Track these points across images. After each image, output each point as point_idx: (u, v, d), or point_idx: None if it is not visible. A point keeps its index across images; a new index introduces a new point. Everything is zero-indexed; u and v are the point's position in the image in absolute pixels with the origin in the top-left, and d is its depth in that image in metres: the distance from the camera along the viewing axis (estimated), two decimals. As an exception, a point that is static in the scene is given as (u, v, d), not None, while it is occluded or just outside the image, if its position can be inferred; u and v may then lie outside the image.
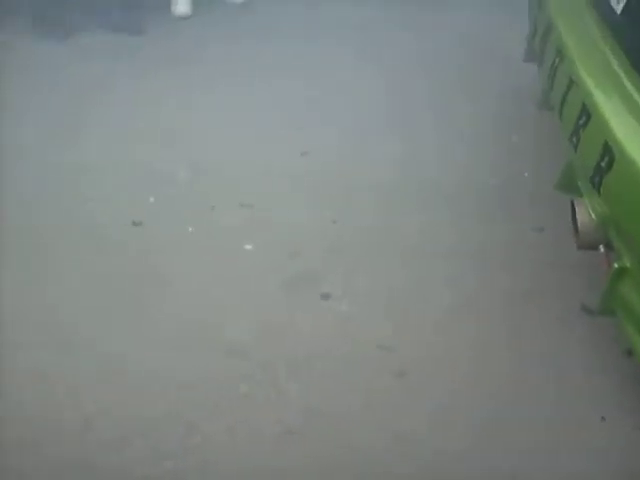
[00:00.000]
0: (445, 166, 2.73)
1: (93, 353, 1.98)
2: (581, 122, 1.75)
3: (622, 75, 1.73)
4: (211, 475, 1.72)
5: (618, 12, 1.80)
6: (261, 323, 2.10)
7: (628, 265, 1.65)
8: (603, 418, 1.83)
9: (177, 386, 1.90)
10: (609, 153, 1.59)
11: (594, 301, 2.05)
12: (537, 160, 2.71)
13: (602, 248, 1.81)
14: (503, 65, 3.28)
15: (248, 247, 2.38)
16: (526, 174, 2.66)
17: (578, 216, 1.79)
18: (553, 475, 1.72)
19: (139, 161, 2.78)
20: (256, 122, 3.03)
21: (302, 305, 2.16)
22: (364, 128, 2.98)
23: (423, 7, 3.92)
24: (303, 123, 3.01)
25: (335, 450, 1.77)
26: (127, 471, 1.71)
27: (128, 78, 3.29)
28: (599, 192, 1.65)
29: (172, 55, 3.51)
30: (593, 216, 1.75)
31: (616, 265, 1.68)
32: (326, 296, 2.19)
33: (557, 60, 1.99)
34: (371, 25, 3.82)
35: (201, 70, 3.40)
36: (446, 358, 1.99)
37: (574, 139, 1.79)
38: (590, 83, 1.76)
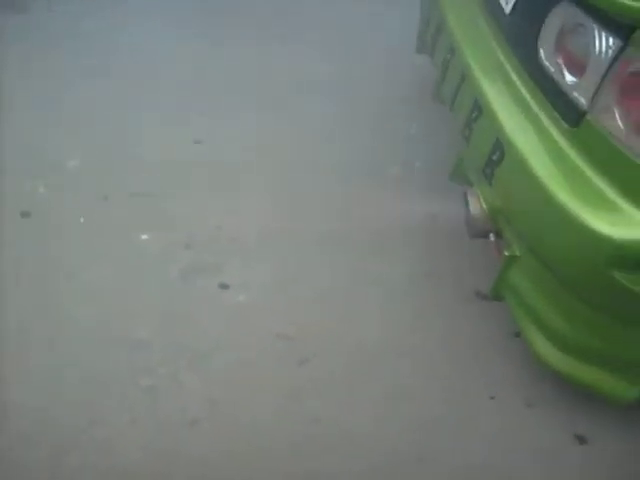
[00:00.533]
0: (346, 158, 2.77)
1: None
2: (473, 116, 1.82)
3: (511, 72, 1.81)
4: (118, 467, 1.70)
5: (507, 12, 1.88)
6: (161, 315, 2.08)
7: (518, 253, 1.74)
8: (492, 397, 1.92)
9: (80, 380, 1.87)
10: (500, 147, 1.66)
11: (486, 286, 2.16)
12: (431, 151, 2.79)
13: (492, 237, 1.90)
14: (401, 56, 3.35)
15: (144, 237, 2.34)
16: (417, 164, 2.73)
17: (470, 206, 1.86)
18: (446, 453, 1.79)
19: (26, 147, 2.67)
20: (148, 108, 2.98)
21: (201, 296, 2.15)
22: (258, 118, 2.98)
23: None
24: (196, 111, 2.98)
25: (240, 437, 1.78)
26: (31, 468, 1.67)
27: (12, 57, 3.15)
28: (490, 184, 1.73)
29: (59, 33, 3.39)
30: (484, 206, 1.82)
31: (506, 253, 1.76)
32: (225, 286, 2.19)
33: (449, 56, 2.05)
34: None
35: (88, 50, 3.30)
36: (348, 342, 2.03)
37: (466, 132, 1.86)
38: (481, 80, 1.83)
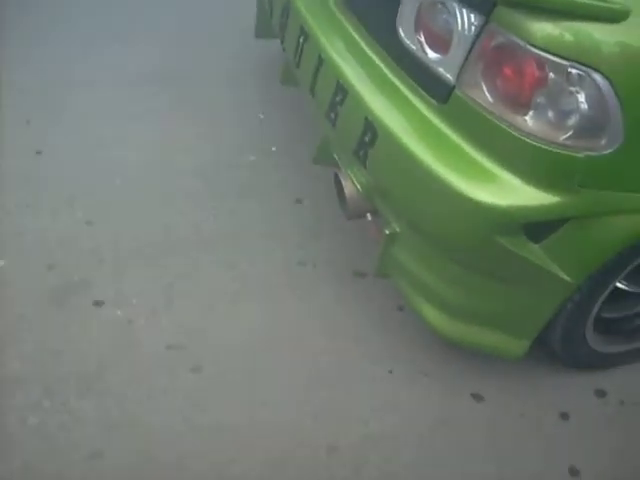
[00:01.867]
0: (199, 150, 2.69)
1: None
2: (337, 99, 1.81)
3: (370, 53, 1.82)
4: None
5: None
6: (37, 345, 1.94)
7: (398, 230, 1.78)
8: (390, 371, 1.96)
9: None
10: (371, 129, 1.68)
11: (363, 265, 2.20)
12: (285, 135, 2.78)
13: (369, 216, 1.92)
14: (238, 42, 3.29)
15: (0, 263, 2.15)
16: (274, 148, 2.71)
17: (345, 188, 1.87)
18: (354, 437, 1.81)
19: None
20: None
21: (76, 318, 2.02)
22: (100, 118, 2.82)
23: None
24: (30, 114, 2.78)
25: (145, 461, 1.71)
26: None
27: None
28: (365, 165, 1.74)
29: None
30: (359, 187, 1.84)
31: (387, 231, 1.79)
32: (99, 303, 2.07)
33: (301, 39, 2.03)
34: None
35: None
36: (239, 343, 2.00)
37: (332, 115, 1.86)
38: (341, 62, 1.83)
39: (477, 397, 1.91)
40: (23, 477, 1.65)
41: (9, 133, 2.67)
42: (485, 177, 1.50)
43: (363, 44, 1.86)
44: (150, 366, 1.92)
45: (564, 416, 1.89)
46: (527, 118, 1.42)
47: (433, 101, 1.61)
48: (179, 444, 1.75)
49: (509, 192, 1.47)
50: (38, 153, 2.60)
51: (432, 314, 1.81)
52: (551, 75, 1.37)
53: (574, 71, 1.35)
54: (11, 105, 2.82)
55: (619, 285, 1.78)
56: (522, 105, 1.43)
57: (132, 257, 2.22)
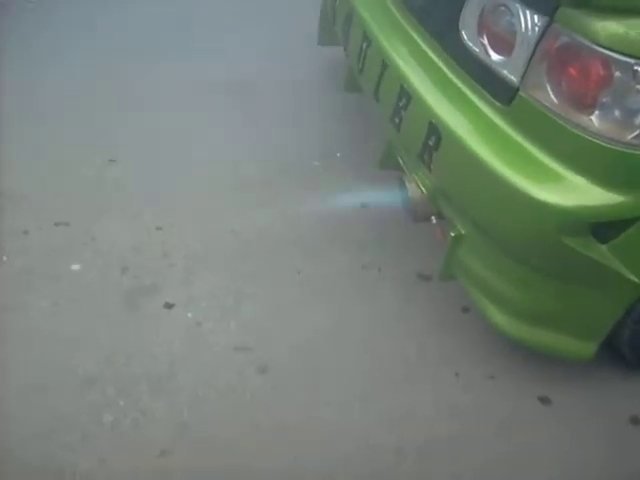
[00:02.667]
0: (265, 156, 2.75)
1: None
2: (401, 104, 1.84)
3: (433, 57, 1.84)
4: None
5: (418, -3, 1.91)
6: (111, 346, 2.00)
7: (463, 232, 1.78)
8: (457, 374, 1.96)
9: (37, 431, 1.78)
10: (435, 132, 1.69)
11: (427, 267, 2.21)
12: (349, 141, 2.81)
13: (434, 219, 1.93)
14: (301, 49, 3.34)
15: (75, 267, 2.25)
16: (338, 154, 2.74)
17: (410, 192, 1.89)
18: (421, 439, 1.81)
19: None
20: (49, 131, 2.85)
21: (148, 319, 2.09)
22: (177, 128, 2.91)
23: None
24: (104, 126, 2.88)
25: (214, 458, 1.75)
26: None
27: None
28: (430, 168, 1.76)
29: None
30: (424, 190, 1.86)
31: (452, 234, 1.80)
32: (170, 306, 2.13)
33: (365, 45, 2.06)
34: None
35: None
36: (304, 345, 2.03)
37: (396, 120, 1.88)
38: (405, 67, 1.85)
39: (544, 400, 1.90)
40: (98, 472, 1.70)
41: (85, 142, 2.78)
42: (551, 177, 1.50)
43: (426, 48, 1.88)
44: (219, 367, 1.96)
45: (634, 420, 1.86)
46: (593, 118, 1.42)
47: (497, 103, 1.61)
48: (245, 443, 1.78)
49: (575, 192, 1.46)
50: (111, 161, 2.69)
51: (498, 316, 1.80)
52: (617, 74, 1.37)
53: (641, 69, 1.34)
54: (87, 116, 2.93)
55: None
56: (587, 105, 1.42)
57: (201, 261, 2.28)
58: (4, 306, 2.09)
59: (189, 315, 2.11)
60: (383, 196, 2.42)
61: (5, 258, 2.26)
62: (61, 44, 3.50)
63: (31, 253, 2.28)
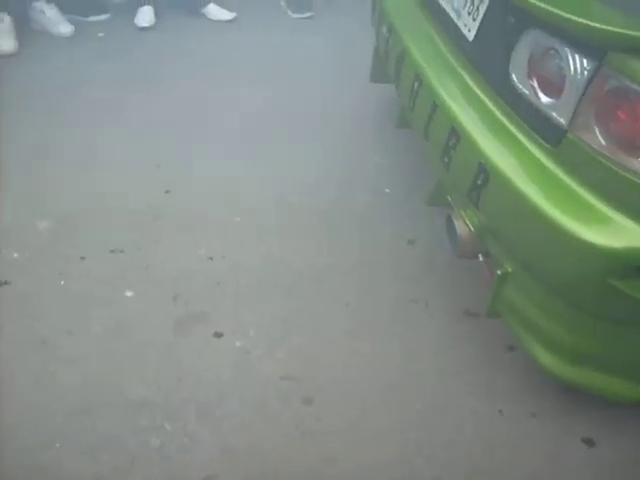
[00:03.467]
0: (314, 189, 2.80)
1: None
2: (451, 144, 1.87)
3: (483, 98, 1.87)
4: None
5: (470, 39, 1.95)
6: (160, 371, 2.05)
7: (510, 270, 1.80)
8: (500, 411, 1.96)
9: (84, 449, 1.83)
10: (484, 171, 1.72)
11: (473, 304, 2.23)
12: (398, 177, 2.85)
13: (481, 257, 1.95)
14: (354, 86, 3.41)
15: (129, 294, 2.31)
16: (387, 190, 2.78)
17: (458, 229, 1.91)
18: (463, 472, 1.82)
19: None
20: (110, 161, 2.96)
21: (198, 347, 2.13)
22: (228, 160, 3.00)
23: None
24: (163, 159, 2.98)
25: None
26: None
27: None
28: (477, 207, 1.78)
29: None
30: (471, 228, 1.88)
31: (499, 272, 1.82)
32: (219, 334, 2.18)
33: (416, 85, 2.11)
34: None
35: (41, 116, 3.28)
36: (349, 376, 2.05)
37: (445, 159, 1.92)
38: (455, 107, 1.89)
39: (588, 442, 1.88)
40: (145, 495, 1.75)
41: (141, 175, 2.88)
42: (598, 219, 1.51)
43: (476, 89, 1.91)
44: (265, 395, 1.99)
45: (682, 467, 1.83)
46: (641, 160, 1.43)
47: (545, 144, 1.64)
48: (288, 471, 1.81)
49: (623, 234, 1.47)
50: (167, 192, 2.78)
51: (544, 355, 1.80)
52: (666, 118, 1.38)
53: (690, 114, 1.36)
54: (143, 151, 3.04)
55: None
56: (636, 147, 1.44)
57: (251, 291, 2.33)
58: (59, 329, 2.16)
59: (237, 344, 2.15)
60: (430, 233, 2.46)
61: (63, 282, 2.35)
62: (128, 75, 3.66)
63: (87, 278, 2.37)
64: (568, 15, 1.50)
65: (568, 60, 1.53)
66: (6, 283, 2.34)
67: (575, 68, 1.52)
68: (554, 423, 1.93)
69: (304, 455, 1.85)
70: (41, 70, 3.70)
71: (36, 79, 3.61)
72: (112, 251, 2.48)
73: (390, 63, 2.47)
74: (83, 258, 2.45)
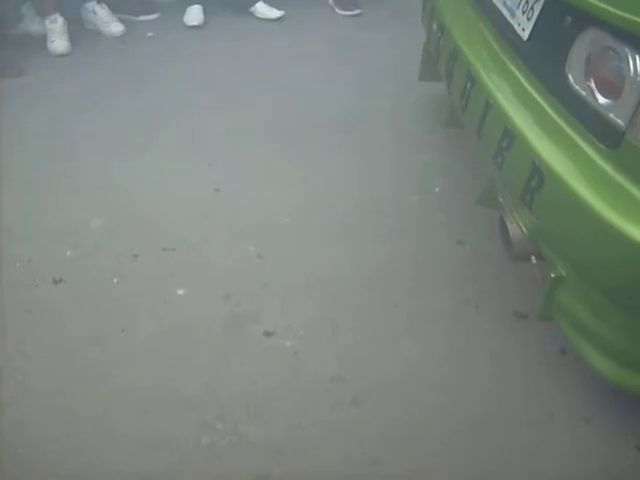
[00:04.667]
0: (364, 189, 2.80)
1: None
2: (504, 144, 1.85)
3: (538, 98, 1.84)
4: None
5: (525, 39, 1.92)
6: (210, 370, 2.07)
7: (563, 273, 1.77)
8: (551, 415, 1.94)
9: (136, 445, 1.87)
10: (538, 173, 1.69)
11: (523, 306, 2.20)
12: (448, 177, 2.83)
13: (534, 259, 1.92)
14: (402, 84, 3.40)
15: (180, 292, 2.34)
16: (437, 189, 2.77)
17: (510, 231, 1.89)
18: (510, 477, 1.81)
19: (45, 213, 2.68)
20: (159, 160, 3.00)
21: (248, 346, 2.15)
22: (272, 161, 3.01)
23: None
24: (211, 158, 3.00)
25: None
26: None
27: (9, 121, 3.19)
28: (531, 209, 1.76)
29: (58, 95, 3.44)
30: (524, 230, 1.86)
31: (552, 275, 1.79)
32: (269, 334, 2.20)
33: (469, 84, 2.09)
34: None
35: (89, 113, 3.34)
36: (397, 381, 2.04)
37: (498, 159, 1.89)
38: (509, 108, 1.86)
39: (643, 449, 1.85)
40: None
41: (193, 174, 2.91)
42: (657, 223, 1.48)
43: (530, 89, 1.88)
44: (314, 396, 2.00)
45: None
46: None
47: (602, 146, 1.60)
48: (336, 471, 1.81)
49: (680, 239, 1.44)
50: (216, 191, 2.81)
51: (597, 359, 1.77)
52: None
53: None
54: (196, 151, 3.07)
55: None
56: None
57: (300, 291, 2.34)
58: (112, 327, 2.21)
59: (287, 344, 2.16)
60: (480, 234, 2.44)
61: (116, 280, 2.39)
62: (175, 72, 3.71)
63: (139, 276, 2.41)
64: (628, 14, 1.47)
65: (628, 60, 1.50)
66: (61, 281, 2.39)
67: (635, 69, 1.48)
68: (607, 429, 1.90)
69: (352, 458, 1.85)
70: (93, 70, 3.77)
71: (89, 79, 3.68)
72: (164, 249, 2.51)
73: (441, 62, 2.45)
74: (135, 256, 2.49)
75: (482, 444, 1.87)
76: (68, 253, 2.51)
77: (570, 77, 1.70)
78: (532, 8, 1.91)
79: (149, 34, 4.25)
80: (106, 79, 3.67)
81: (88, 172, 2.93)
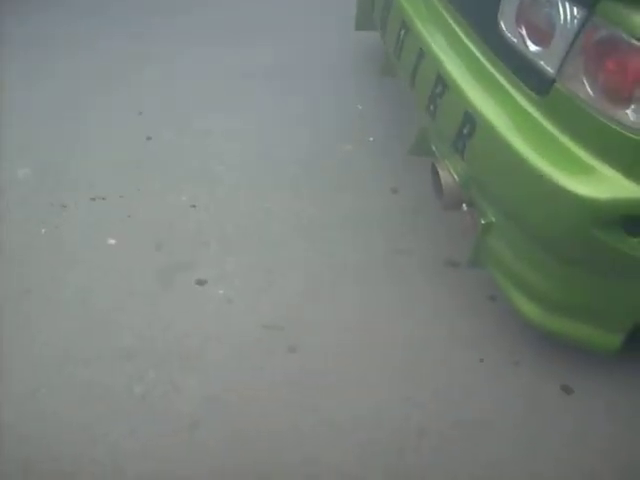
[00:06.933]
0: (297, 139, 2.78)
1: None
2: (437, 92, 1.85)
3: (471, 46, 1.85)
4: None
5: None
6: (143, 320, 2.05)
7: (493, 220, 1.80)
8: (481, 360, 1.99)
9: (71, 398, 1.84)
10: (470, 121, 1.71)
11: (456, 254, 2.24)
12: (382, 126, 2.83)
13: (465, 207, 1.95)
14: (338, 34, 3.36)
15: (112, 242, 2.30)
16: (371, 139, 2.77)
17: (442, 178, 1.91)
18: (445, 420, 1.84)
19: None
20: (90, 108, 2.92)
21: (180, 295, 2.14)
22: (210, 108, 2.96)
23: None
24: (143, 106, 2.93)
25: (241, 434, 1.79)
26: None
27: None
28: (463, 156, 1.78)
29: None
30: (456, 177, 1.88)
31: (482, 221, 1.82)
32: (202, 282, 2.18)
33: (402, 32, 2.08)
34: None
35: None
36: (334, 326, 2.06)
37: (431, 107, 1.90)
38: (443, 55, 1.87)
39: (567, 389, 1.91)
40: (129, 441, 1.76)
41: (122, 122, 2.83)
42: (584, 170, 1.51)
43: (463, 37, 1.89)
44: (249, 344, 2.00)
45: (657, 413, 1.87)
46: (629, 112, 1.43)
47: (533, 94, 1.63)
48: (274, 421, 1.82)
49: (608, 185, 1.47)
50: (148, 139, 2.75)
51: (525, 305, 1.82)
52: (655, 69, 1.37)
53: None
54: (125, 98, 2.99)
55: None
56: (624, 99, 1.43)
57: (234, 240, 2.32)
58: (42, 278, 2.15)
59: (220, 292, 2.15)
60: (413, 182, 2.46)
61: (44, 230, 2.33)
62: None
63: (68, 226, 2.35)
64: (559, -39, 1.48)
65: (558, 8, 1.51)
66: (-16, 232, 2.32)
67: (565, 16, 1.50)
68: (533, 371, 1.96)
69: (289, 405, 1.86)
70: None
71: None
72: (93, 199, 2.45)
73: (376, 11, 2.43)
74: (64, 206, 2.43)
75: (415, 388, 1.91)
76: (-7, 204, 2.43)
77: (502, 24, 1.71)
78: (466, -46, 1.90)
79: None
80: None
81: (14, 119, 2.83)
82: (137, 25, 3.60)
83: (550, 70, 1.56)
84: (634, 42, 1.36)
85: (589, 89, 1.49)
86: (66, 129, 2.81)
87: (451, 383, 1.93)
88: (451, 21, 1.96)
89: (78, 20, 3.64)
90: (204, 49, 3.39)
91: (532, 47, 1.63)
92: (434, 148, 2.06)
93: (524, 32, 1.65)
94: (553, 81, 1.56)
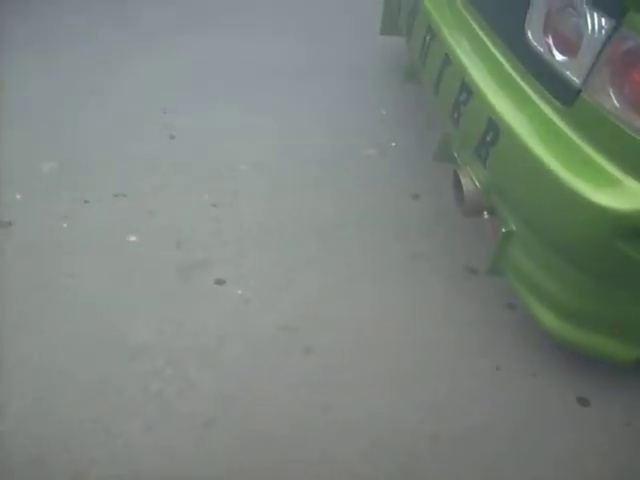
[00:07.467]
0: (320, 141, 2.79)
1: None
2: (462, 99, 1.85)
3: (497, 54, 1.85)
4: (140, 476, 1.69)
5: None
6: (160, 317, 2.06)
7: (514, 229, 1.80)
8: (498, 368, 1.98)
9: (87, 393, 1.85)
10: (494, 128, 1.71)
11: (475, 261, 2.23)
12: (405, 131, 2.83)
13: (486, 214, 1.95)
14: (362, 39, 3.37)
15: (132, 239, 2.32)
16: (393, 144, 2.77)
17: (464, 185, 1.90)
18: (459, 428, 1.84)
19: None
20: (116, 107, 2.94)
21: (199, 294, 2.15)
22: (235, 107, 2.98)
23: None
24: (168, 104, 2.95)
25: (256, 432, 1.79)
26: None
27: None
28: (485, 164, 1.77)
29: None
30: (477, 185, 1.87)
31: (503, 229, 1.82)
32: (221, 282, 2.19)
33: (428, 38, 2.08)
34: None
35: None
36: (350, 328, 2.06)
37: (455, 114, 1.90)
38: (468, 63, 1.87)
39: (583, 401, 1.90)
40: (142, 438, 1.76)
41: (147, 120, 2.86)
42: (607, 181, 1.50)
43: (489, 45, 1.89)
44: (265, 344, 2.01)
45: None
46: (654, 124, 1.42)
47: (558, 103, 1.62)
48: (288, 420, 1.82)
49: (632, 197, 1.46)
50: (172, 138, 2.77)
51: (544, 314, 1.81)
52: (681, 81, 1.37)
53: None
54: (149, 95, 3.02)
55: None
56: (650, 110, 1.42)
57: (254, 240, 2.34)
58: (60, 272, 2.17)
59: (239, 292, 2.16)
60: (435, 188, 2.46)
61: (66, 225, 2.35)
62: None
63: (90, 222, 2.37)
64: (588, -28, 1.48)
65: (586, 18, 1.51)
66: (9, 224, 2.34)
67: (592, 27, 1.50)
68: (550, 381, 1.95)
69: (305, 405, 1.86)
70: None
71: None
72: (115, 195, 2.47)
73: (402, 16, 2.43)
74: (87, 202, 2.45)
75: (428, 394, 1.90)
76: (17, 196, 2.46)
77: (529, 33, 1.71)
78: (494, -37, 1.90)
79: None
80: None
81: (42, 115, 2.85)
82: (166, 17, 3.62)
83: (576, 80, 1.55)
84: (662, 54, 1.36)
85: (615, 100, 1.48)
86: (90, 124, 2.83)
87: (466, 389, 1.93)
88: (477, 28, 1.96)
89: (90, 14, 3.66)
90: (224, 42, 3.42)
91: (558, 57, 1.62)
92: (456, 155, 2.06)
93: (551, 41, 1.64)
94: (579, 91, 1.55)
